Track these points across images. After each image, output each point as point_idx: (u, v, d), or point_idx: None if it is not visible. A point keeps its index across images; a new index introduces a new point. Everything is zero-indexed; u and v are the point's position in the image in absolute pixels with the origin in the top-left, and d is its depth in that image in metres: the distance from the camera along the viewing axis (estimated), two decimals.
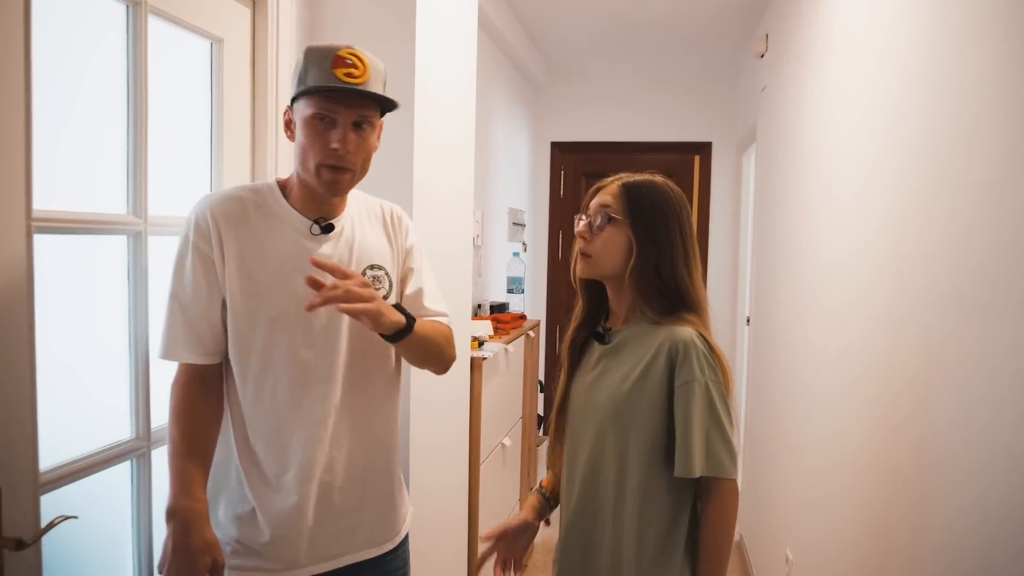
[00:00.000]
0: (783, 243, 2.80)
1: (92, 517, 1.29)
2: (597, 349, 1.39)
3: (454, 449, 2.24)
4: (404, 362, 1.42)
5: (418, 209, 1.81)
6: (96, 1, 1.24)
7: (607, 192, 1.35)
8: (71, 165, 1.25)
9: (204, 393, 1.25)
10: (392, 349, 1.36)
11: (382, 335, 1.23)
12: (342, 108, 1.19)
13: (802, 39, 2.55)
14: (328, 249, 1.28)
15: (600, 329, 1.39)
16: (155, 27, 1.34)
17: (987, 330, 1.12)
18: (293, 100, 1.24)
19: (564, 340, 1.47)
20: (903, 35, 1.55)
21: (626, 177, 1.37)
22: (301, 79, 1.21)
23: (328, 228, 1.28)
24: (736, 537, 3.74)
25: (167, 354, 1.24)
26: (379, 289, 1.32)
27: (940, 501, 1.27)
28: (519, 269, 3.84)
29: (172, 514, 1.18)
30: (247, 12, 1.60)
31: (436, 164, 1.94)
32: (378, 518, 1.37)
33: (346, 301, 1.14)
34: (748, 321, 3.87)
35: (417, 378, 1.87)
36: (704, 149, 4.61)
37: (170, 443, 1.23)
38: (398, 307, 1.25)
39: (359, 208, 1.36)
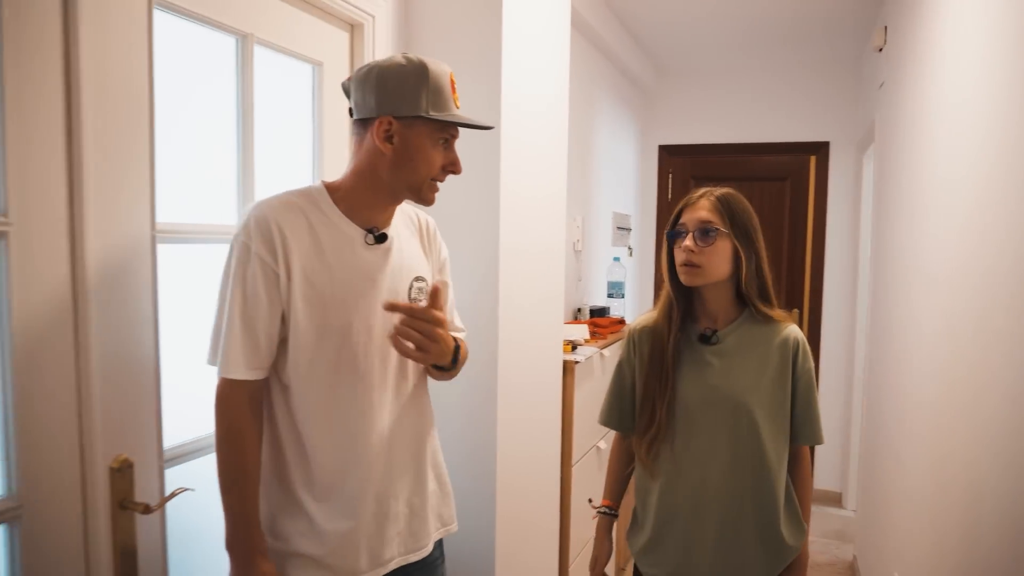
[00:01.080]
0: (899, 250, 2.65)
1: (210, 492, 1.46)
2: (701, 349, 1.55)
3: (545, 450, 2.30)
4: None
5: (505, 214, 1.88)
6: (211, 36, 1.40)
7: (702, 208, 1.52)
8: (193, 181, 1.42)
9: (252, 415, 1.22)
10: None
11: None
12: (457, 134, 1.30)
13: (923, 31, 2.40)
14: (383, 259, 1.30)
15: (705, 332, 1.55)
16: (262, 55, 1.50)
17: None
18: (405, 115, 1.23)
19: (643, 342, 1.60)
20: None
21: (715, 192, 1.53)
22: (431, 100, 1.22)
23: (382, 238, 1.29)
24: (850, 558, 3.57)
25: (227, 370, 1.19)
26: (421, 301, 1.34)
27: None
28: (620, 274, 3.84)
29: (231, 548, 1.22)
30: (345, 36, 1.75)
31: (524, 171, 2.01)
32: (419, 521, 1.38)
33: (417, 345, 1.24)
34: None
35: (505, 379, 1.94)
36: (821, 149, 4.40)
37: (221, 474, 1.21)
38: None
39: (397, 214, 1.37)
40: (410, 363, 1.35)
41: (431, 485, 1.41)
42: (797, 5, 3.41)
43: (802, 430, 1.54)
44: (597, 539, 1.72)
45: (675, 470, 1.55)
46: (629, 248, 4.40)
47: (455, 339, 1.34)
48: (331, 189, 1.29)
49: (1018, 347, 1.33)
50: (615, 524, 1.73)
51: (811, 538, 3.91)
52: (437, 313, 1.24)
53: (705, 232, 1.49)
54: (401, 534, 1.35)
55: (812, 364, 1.55)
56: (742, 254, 1.50)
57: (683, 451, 1.54)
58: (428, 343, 1.24)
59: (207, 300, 1.47)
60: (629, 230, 4.41)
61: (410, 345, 1.24)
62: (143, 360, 1.25)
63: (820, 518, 4.20)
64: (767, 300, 1.55)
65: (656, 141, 4.77)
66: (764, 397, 1.50)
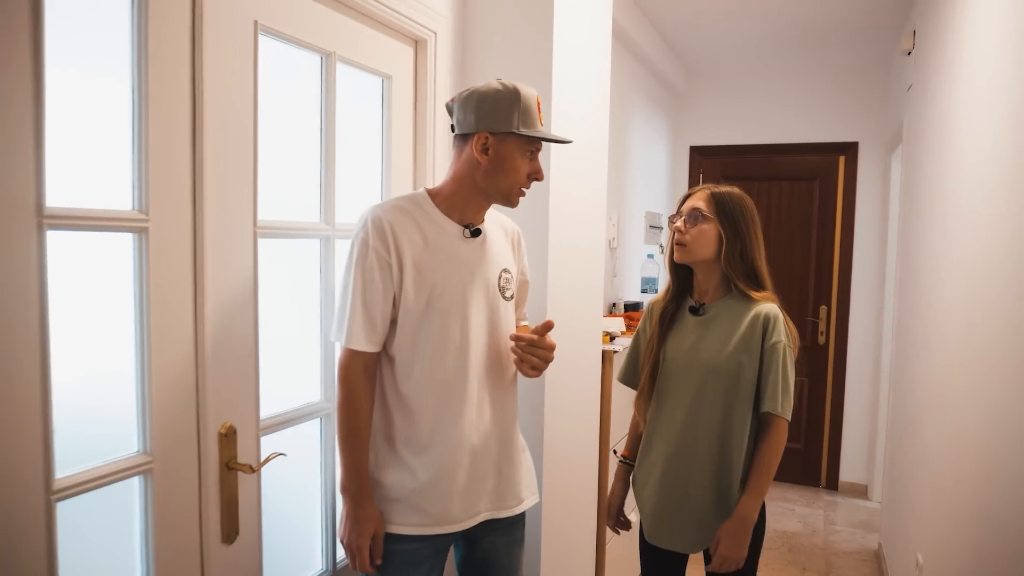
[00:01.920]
0: (924, 249, 2.76)
1: (294, 459, 1.64)
2: (691, 319, 1.82)
3: (585, 432, 2.46)
4: None
5: (553, 214, 2.05)
6: (300, 55, 1.58)
7: (697, 198, 1.79)
8: (284, 183, 1.60)
9: (367, 382, 1.44)
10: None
11: None
12: (540, 147, 1.51)
13: (951, 35, 2.50)
14: (478, 251, 1.51)
15: (695, 305, 1.82)
16: (341, 70, 1.68)
17: None
18: (499, 131, 1.43)
19: (654, 312, 1.87)
20: None
21: (712, 187, 1.79)
22: (521, 119, 1.43)
23: (476, 232, 1.51)
24: (875, 546, 3.67)
25: (350, 342, 1.41)
26: (509, 289, 1.59)
27: None
28: (653, 270, 3.99)
29: (345, 491, 1.45)
30: (410, 51, 1.92)
31: (571, 173, 2.18)
32: (507, 484, 1.58)
33: (532, 366, 1.53)
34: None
35: (552, 364, 2.09)
36: (850, 149, 4.50)
37: (339, 429, 1.44)
38: None
39: (491, 220, 1.59)
40: (501, 344, 1.56)
41: (521, 456, 1.64)
42: (827, 9, 3.52)
43: (764, 398, 1.70)
44: (613, 484, 1.99)
45: (655, 423, 1.83)
46: (660, 246, 4.53)
47: None
48: (432, 194, 1.52)
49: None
50: (633, 473, 1.97)
51: (836, 527, 4.02)
52: (551, 342, 1.55)
53: (693, 216, 1.77)
54: (490, 492, 1.55)
55: (783, 339, 1.70)
56: (724, 238, 1.73)
57: (667, 405, 1.81)
58: (543, 365, 1.55)
59: (297, 290, 1.66)
60: (661, 228, 4.55)
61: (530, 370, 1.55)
62: (245, 341, 1.44)
63: (847, 509, 4.31)
64: (754, 283, 1.76)
65: (687, 142, 4.89)
66: (729, 364, 1.71)
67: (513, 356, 1.55)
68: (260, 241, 1.46)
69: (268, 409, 1.53)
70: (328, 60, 1.62)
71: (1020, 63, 1.63)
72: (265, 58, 1.44)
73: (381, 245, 1.42)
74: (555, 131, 2.01)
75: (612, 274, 3.60)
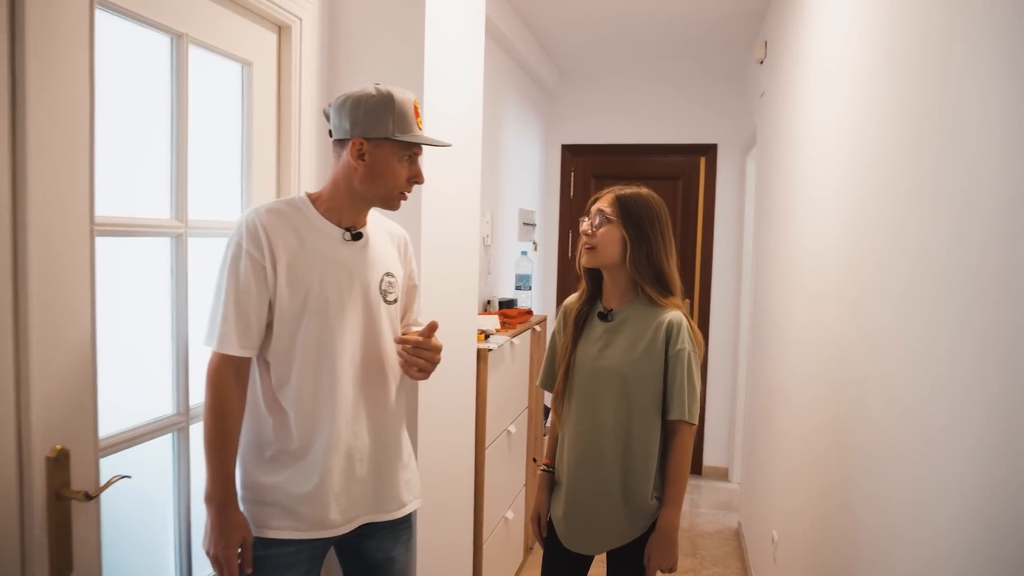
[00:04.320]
0: (776, 243, 2.95)
1: (141, 480, 1.49)
2: (600, 325, 1.82)
3: (461, 433, 2.42)
4: None
5: (426, 210, 2.00)
6: (147, 35, 1.43)
7: (603, 201, 1.78)
8: (126, 176, 1.45)
9: (237, 386, 1.42)
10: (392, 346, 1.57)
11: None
12: (420, 151, 1.51)
13: (796, 47, 2.68)
14: (359, 254, 1.51)
15: (603, 311, 1.82)
16: (194, 54, 1.54)
17: (914, 319, 1.28)
18: (374, 137, 1.43)
19: (570, 315, 1.85)
20: (878, 58, 1.63)
21: (618, 189, 1.78)
22: (396, 124, 1.43)
23: (358, 236, 1.51)
24: (735, 525, 3.90)
25: (222, 346, 1.39)
26: (392, 293, 1.56)
27: (873, 472, 1.44)
28: (527, 267, 4.02)
29: (209, 500, 1.40)
30: (273, 38, 1.80)
31: (444, 170, 2.13)
32: (387, 487, 1.57)
33: (420, 368, 1.52)
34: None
35: None
36: (710, 151, 4.75)
37: (206, 435, 1.40)
38: None
39: (376, 224, 1.59)
40: (382, 347, 1.53)
41: (405, 460, 1.61)
42: (688, 18, 3.69)
43: (671, 404, 1.73)
44: (537, 494, 1.96)
45: (568, 426, 1.83)
46: (534, 243, 4.58)
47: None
48: (312, 198, 1.51)
49: (853, 317, 1.58)
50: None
51: (701, 510, 4.25)
52: (438, 343, 1.54)
53: (599, 220, 1.76)
54: (368, 496, 1.53)
55: (687, 347, 1.72)
56: (628, 241, 1.74)
57: (575, 410, 1.81)
58: (430, 367, 1.54)
59: (144, 294, 1.51)
60: (534, 226, 4.59)
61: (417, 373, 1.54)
62: (80, 351, 1.28)
63: (709, 491, 4.56)
64: (663, 287, 1.77)
65: (559, 140, 4.98)
66: (634, 370, 1.72)
67: (400, 359, 1.54)
68: (98, 240, 1.30)
69: (110, 427, 1.37)
70: (179, 42, 1.48)
71: (856, 76, 1.77)
72: (105, 37, 1.29)
73: (254, 247, 1.40)
74: (428, 129, 1.95)
75: (486, 271, 3.59)
